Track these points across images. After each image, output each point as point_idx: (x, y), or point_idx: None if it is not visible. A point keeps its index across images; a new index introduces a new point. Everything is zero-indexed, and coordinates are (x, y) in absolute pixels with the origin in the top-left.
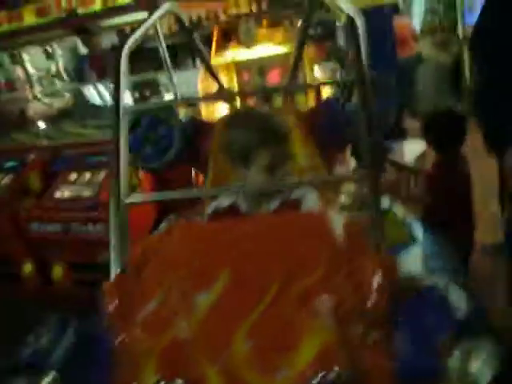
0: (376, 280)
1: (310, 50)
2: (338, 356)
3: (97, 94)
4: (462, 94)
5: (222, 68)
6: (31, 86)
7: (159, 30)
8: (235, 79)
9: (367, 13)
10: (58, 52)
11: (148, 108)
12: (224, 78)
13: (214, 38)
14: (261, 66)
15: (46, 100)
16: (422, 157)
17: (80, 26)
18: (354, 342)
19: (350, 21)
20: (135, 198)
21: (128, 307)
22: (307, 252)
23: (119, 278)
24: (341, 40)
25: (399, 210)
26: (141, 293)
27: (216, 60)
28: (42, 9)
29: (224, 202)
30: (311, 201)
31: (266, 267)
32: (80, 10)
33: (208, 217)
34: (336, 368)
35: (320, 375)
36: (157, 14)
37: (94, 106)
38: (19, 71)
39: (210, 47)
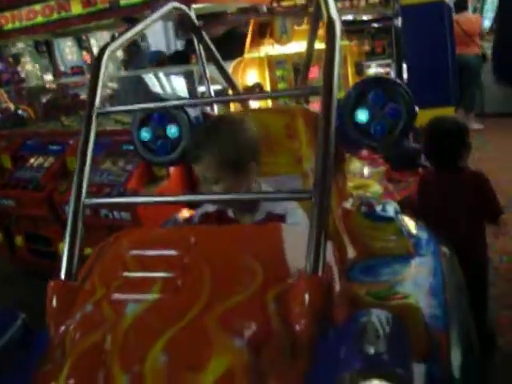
0: (305, 305)
1: (352, 46)
2: (242, 381)
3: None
4: None
5: (255, 63)
6: None
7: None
8: (267, 74)
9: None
10: None
11: (119, 110)
12: (256, 73)
13: (249, 33)
14: (296, 62)
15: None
16: None
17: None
18: (265, 369)
19: (330, 23)
20: (94, 200)
21: (66, 309)
22: (243, 268)
23: (64, 280)
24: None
25: (405, 221)
26: (79, 297)
27: (250, 54)
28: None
29: (211, 206)
30: (296, 215)
31: (198, 282)
32: (122, 2)
33: (198, 219)
34: None
35: None
36: (154, 15)
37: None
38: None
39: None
